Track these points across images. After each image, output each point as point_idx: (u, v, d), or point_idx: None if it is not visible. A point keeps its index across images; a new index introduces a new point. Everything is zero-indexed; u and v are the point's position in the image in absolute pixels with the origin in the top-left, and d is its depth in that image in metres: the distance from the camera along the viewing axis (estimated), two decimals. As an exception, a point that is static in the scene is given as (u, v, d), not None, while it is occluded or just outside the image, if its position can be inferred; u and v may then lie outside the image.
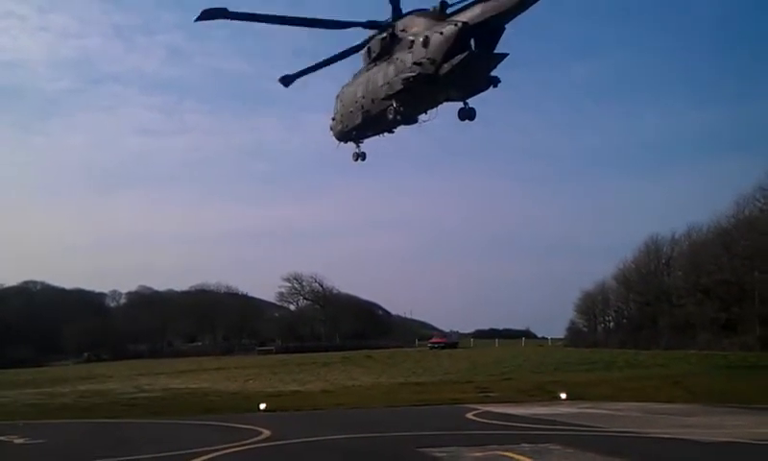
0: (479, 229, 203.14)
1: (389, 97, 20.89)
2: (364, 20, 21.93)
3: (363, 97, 22.24)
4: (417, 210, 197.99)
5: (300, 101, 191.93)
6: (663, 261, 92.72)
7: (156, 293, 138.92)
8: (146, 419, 30.28)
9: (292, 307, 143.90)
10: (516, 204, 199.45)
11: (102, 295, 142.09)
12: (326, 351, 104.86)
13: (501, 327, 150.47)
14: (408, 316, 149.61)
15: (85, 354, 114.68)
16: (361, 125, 22.70)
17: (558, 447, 19.05)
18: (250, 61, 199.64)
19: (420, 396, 37.69)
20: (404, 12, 21.48)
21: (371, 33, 22.30)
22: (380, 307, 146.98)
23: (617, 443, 20.32)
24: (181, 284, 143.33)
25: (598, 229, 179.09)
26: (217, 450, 19.76)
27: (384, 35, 21.45)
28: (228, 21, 21.52)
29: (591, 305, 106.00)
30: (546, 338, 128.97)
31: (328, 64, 23.52)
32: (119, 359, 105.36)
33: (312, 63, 24.00)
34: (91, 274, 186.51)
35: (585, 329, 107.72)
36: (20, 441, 23.62)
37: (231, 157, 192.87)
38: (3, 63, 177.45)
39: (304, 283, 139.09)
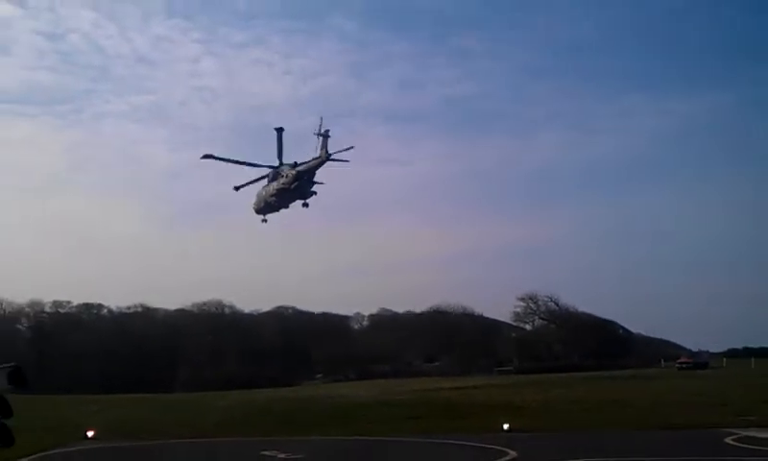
0: (727, 239, 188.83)
1: (272, 195, 41.15)
2: (272, 166, 41.06)
3: (265, 194, 41.74)
4: (659, 224, 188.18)
5: (531, 115, 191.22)
6: None
7: (396, 315, 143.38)
8: (392, 436, 31.35)
9: (527, 327, 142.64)
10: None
11: (346, 318, 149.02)
12: (565, 371, 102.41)
13: (756, 345, 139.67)
14: (651, 335, 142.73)
15: (318, 377, 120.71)
16: (263, 207, 42.28)
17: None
18: (478, 82, 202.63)
19: (671, 419, 35.69)
20: (285, 162, 40.65)
21: (274, 167, 41.31)
22: (620, 326, 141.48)
23: None
24: (419, 306, 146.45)
25: None
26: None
27: (276, 172, 40.75)
28: None
29: None
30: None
31: (244, 165, 41.08)
32: (363, 379, 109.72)
33: (236, 158, 41.40)
34: (336, 298, 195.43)
35: None
36: (282, 456, 25.47)
37: (463, 180, 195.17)
38: (254, 108, 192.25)
39: (539, 303, 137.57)
